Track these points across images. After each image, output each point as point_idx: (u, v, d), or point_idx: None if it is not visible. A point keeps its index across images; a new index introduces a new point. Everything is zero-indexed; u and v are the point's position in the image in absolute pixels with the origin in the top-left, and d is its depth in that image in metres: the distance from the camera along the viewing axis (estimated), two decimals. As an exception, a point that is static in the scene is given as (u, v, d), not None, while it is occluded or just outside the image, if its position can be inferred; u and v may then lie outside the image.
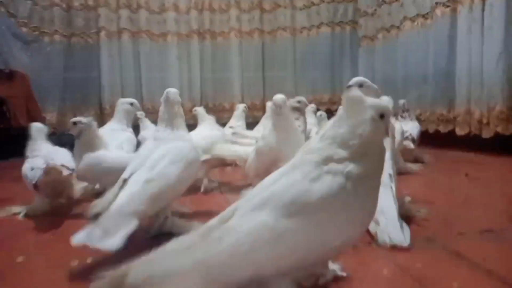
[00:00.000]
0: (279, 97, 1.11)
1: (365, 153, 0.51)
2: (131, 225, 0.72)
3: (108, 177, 1.13)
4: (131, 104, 1.81)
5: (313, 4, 3.84)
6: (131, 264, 0.49)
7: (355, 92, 0.54)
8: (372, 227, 0.82)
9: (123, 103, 1.85)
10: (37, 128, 1.30)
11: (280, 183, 0.52)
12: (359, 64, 3.71)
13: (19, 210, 1.18)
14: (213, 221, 0.54)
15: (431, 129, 2.65)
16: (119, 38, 3.66)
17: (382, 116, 0.53)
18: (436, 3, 2.54)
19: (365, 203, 0.52)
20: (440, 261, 0.70)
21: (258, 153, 1.14)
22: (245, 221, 0.50)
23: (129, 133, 1.84)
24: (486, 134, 2.20)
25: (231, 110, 3.88)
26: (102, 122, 3.65)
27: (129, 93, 3.71)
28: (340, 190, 0.49)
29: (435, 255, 0.73)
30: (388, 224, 0.79)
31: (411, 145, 1.93)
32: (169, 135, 0.97)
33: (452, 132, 2.47)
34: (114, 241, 0.68)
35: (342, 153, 0.51)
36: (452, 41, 2.46)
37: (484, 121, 2.20)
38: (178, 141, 0.95)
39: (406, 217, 0.92)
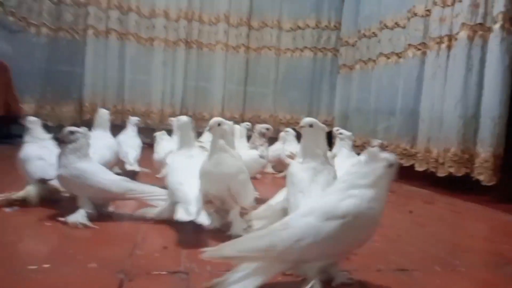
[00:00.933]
0: (213, 119, 1.15)
1: (376, 186, 0.79)
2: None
3: (83, 191, 1.18)
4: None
5: (299, 28, 4.00)
6: (226, 243, 0.77)
7: (376, 149, 0.86)
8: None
9: (105, 114, 1.95)
10: (31, 121, 1.47)
11: (321, 201, 0.82)
12: (336, 90, 3.88)
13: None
14: (276, 224, 0.81)
15: (393, 162, 2.81)
16: (106, 38, 3.73)
17: (391, 165, 0.80)
18: (409, 44, 2.72)
19: (374, 219, 0.79)
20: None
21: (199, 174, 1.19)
22: (298, 221, 0.77)
23: (109, 140, 1.90)
24: (441, 172, 2.36)
25: (210, 120, 3.96)
26: (80, 118, 3.69)
27: (111, 93, 3.77)
28: (356, 208, 0.77)
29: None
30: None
31: None
32: (194, 152, 1.31)
33: (412, 167, 2.63)
34: (205, 218, 1.04)
35: (362, 184, 0.79)
36: (419, 81, 2.63)
37: (440, 160, 2.36)
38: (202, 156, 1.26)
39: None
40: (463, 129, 2.24)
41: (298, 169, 1.09)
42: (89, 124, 3.49)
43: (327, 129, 1.13)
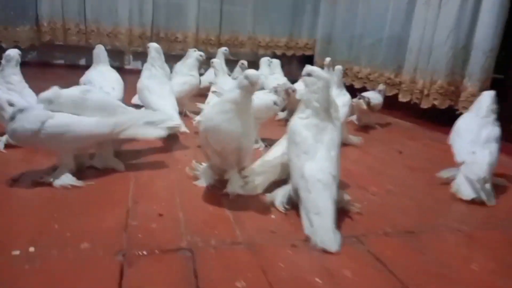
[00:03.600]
0: (255, 74, 0.94)
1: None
2: None
3: (70, 144, 1.08)
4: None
5: None
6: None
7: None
8: (307, 227, 0.86)
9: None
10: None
11: (473, 135, 1.27)
12: (320, 12, 3.63)
13: None
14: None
15: (377, 90, 2.76)
16: None
17: None
18: (403, -38, 2.49)
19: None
20: (362, 266, 0.78)
21: (200, 129, 1.05)
22: (480, 152, 1.22)
23: (116, 73, 1.77)
24: (425, 104, 2.35)
25: (183, 42, 3.68)
26: (38, 39, 3.33)
27: (70, 11, 3.37)
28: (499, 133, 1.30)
29: (359, 260, 0.80)
30: (320, 228, 0.83)
31: (363, 106, 2.00)
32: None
33: (395, 96, 2.59)
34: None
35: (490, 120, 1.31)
36: (411, 8, 2.47)
37: (425, 92, 2.33)
38: None
39: (342, 210, 0.99)
40: (452, 61, 2.18)
41: (301, 127, 1.00)
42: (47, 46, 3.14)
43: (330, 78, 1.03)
